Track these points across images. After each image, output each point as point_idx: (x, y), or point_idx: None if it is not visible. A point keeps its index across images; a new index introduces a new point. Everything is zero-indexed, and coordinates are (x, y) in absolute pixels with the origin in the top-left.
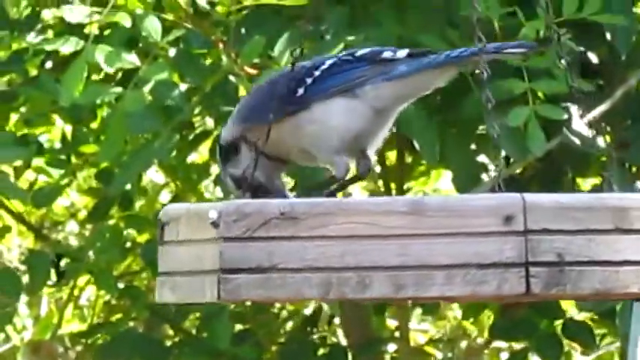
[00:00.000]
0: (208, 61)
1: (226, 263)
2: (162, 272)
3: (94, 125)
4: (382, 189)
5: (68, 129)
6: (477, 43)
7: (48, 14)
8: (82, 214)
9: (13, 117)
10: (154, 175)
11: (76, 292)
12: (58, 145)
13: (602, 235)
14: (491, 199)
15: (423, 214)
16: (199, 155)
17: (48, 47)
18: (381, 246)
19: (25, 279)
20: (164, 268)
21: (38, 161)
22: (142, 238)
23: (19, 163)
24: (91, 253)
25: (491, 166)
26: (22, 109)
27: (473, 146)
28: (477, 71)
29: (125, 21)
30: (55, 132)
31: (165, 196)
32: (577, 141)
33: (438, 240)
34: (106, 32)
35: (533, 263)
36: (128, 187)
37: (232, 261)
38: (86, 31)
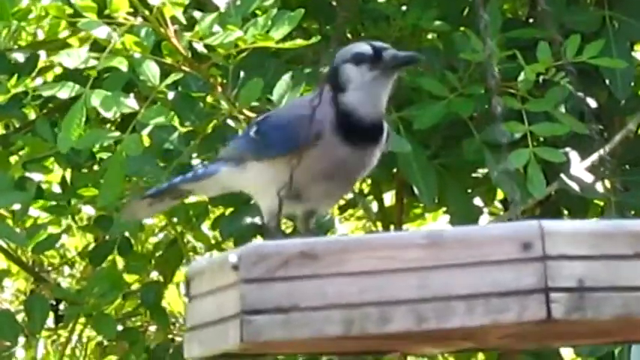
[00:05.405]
0: (207, 105)
1: (247, 305)
2: (190, 327)
3: (95, 168)
4: (381, 230)
5: (68, 173)
6: (490, 81)
7: (45, 58)
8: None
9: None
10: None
11: (74, 336)
12: (56, 187)
13: (622, 260)
14: (508, 227)
15: (442, 246)
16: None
17: (45, 93)
18: (401, 279)
19: (20, 318)
20: (192, 322)
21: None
22: (131, 279)
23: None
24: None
25: (486, 209)
26: (20, 153)
27: (469, 190)
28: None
29: (122, 65)
30: (52, 175)
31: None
32: (575, 186)
33: (457, 271)
34: (106, 76)
35: (553, 289)
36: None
37: (253, 302)
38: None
